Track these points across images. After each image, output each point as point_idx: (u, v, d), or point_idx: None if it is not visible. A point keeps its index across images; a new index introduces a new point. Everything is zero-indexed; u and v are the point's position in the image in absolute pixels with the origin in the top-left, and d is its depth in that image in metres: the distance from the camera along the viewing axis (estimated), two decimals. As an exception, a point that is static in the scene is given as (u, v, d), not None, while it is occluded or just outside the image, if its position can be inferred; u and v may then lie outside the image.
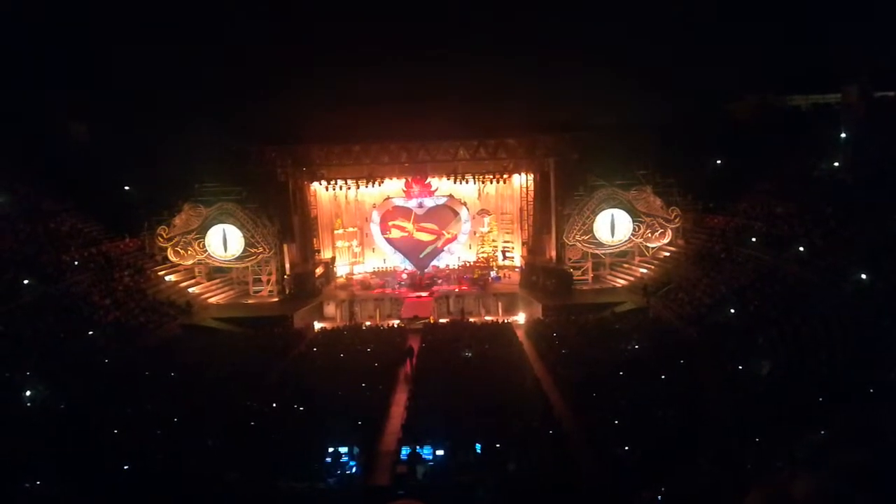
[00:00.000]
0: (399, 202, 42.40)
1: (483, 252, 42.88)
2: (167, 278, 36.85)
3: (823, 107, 40.86)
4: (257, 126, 38.19)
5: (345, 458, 16.80)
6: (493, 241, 43.30)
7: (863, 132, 31.83)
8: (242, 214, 37.55)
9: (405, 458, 16.76)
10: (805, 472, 2.48)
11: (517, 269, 41.60)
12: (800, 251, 26.67)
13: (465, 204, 42.70)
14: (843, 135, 32.46)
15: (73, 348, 24.89)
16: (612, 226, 37.55)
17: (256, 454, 16.54)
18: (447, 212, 42.85)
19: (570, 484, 15.26)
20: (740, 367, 21.06)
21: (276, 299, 37.58)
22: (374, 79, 39.04)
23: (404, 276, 40.82)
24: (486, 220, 43.35)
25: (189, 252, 37.33)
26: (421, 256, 42.62)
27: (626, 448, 16.23)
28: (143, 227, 37.47)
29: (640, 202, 37.40)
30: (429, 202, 42.32)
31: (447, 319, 35.61)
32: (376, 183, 40.47)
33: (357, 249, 43.53)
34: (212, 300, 37.02)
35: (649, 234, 37.41)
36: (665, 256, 37.47)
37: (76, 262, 31.52)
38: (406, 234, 42.78)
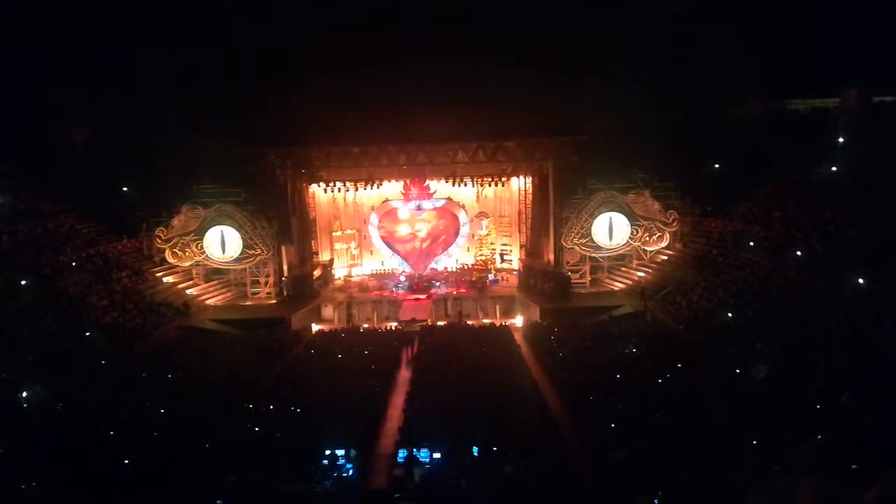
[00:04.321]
0: (397, 204, 42.39)
1: (481, 255, 42.90)
2: (165, 280, 36.81)
3: (822, 111, 40.87)
4: (257, 128, 38.21)
5: (342, 461, 16.76)
6: (492, 243, 43.33)
7: (861, 137, 31.87)
8: (241, 216, 37.55)
9: (402, 460, 16.73)
10: (804, 476, 2.47)
11: (515, 272, 41.58)
12: (798, 255, 26.68)
13: (463, 207, 42.71)
14: (841, 139, 32.51)
15: (71, 349, 24.83)
16: (611, 229, 37.58)
17: (253, 456, 16.50)
18: (445, 214, 42.84)
19: (567, 488, 15.24)
20: (738, 372, 21.06)
21: (273, 301, 37.54)
22: (374, 81, 39.06)
23: (402, 278, 40.79)
24: (485, 222, 43.39)
25: (187, 253, 37.32)
26: (419, 259, 42.61)
27: (624, 452, 16.21)
28: (141, 228, 37.45)
29: (639, 206, 37.45)
30: (427, 205, 42.29)
31: (445, 322, 35.60)
32: (375, 185, 40.49)
33: (355, 252, 43.54)
34: (209, 302, 36.98)
35: (647, 238, 37.44)
36: (663, 260, 37.49)
37: (74, 263, 31.47)
38: (404, 236, 42.79)
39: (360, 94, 38.22)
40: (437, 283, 40.18)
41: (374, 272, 42.47)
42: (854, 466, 10.71)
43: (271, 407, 21.23)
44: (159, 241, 37.12)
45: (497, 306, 37.34)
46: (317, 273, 39.53)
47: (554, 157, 37.56)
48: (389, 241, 42.78)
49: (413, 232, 42.84)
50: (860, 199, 27.28)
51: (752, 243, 30.71)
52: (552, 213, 38.13)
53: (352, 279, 41.53)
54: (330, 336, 32.79)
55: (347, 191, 41.15)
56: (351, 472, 16.55)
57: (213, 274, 38.95)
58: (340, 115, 37.02)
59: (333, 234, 42.99)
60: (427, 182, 41.40)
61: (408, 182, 41.45)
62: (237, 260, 37.77)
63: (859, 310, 20.52)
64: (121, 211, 38.06)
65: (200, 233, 37.35)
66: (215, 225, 37.48)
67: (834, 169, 31.73)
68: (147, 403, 20.73)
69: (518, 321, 35.49)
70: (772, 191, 33.98)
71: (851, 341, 18.93)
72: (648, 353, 25.32)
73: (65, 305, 27.99)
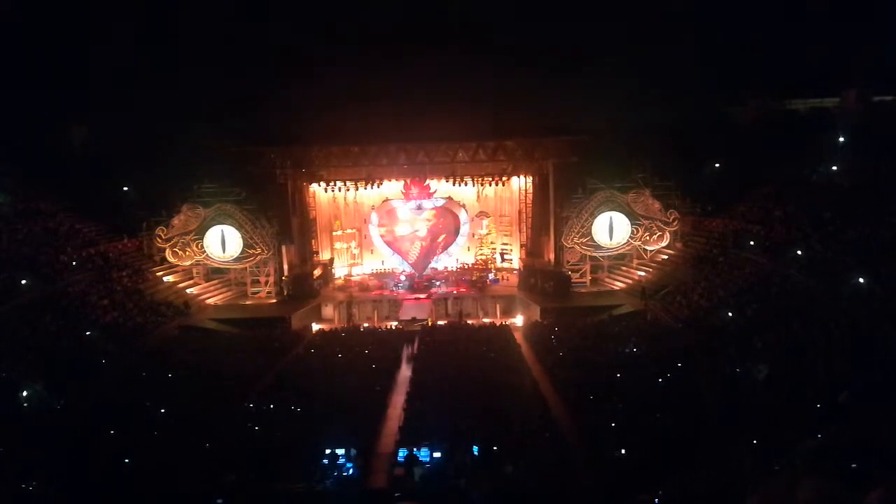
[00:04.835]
0: (398, 204, 42.38)
1: (481, 254, 42.91)
2: (165, 279, 36.81)
3: (822, 111, 40.91)
4: (257, 127, 38.20)
5: (342, 460, 16.77)
6: (492, 243, 43.33)
7: (861, 136, 31.90)
8: (241, 215, 37.52)
9: (402, 460, 16.73)
10: (804, 476, 2.48)
11: (515, 272, 41.60)
12: (798, 255, 26.70)
13: (463, 206, 42.70)
14: (841, 139, 32.53)
15: (71, 348, 24.84)
16: (611, 228, 37.56)
17: (253, 456, 16.51)
18: (446, 214, 42.84)
19: (567, 487, 15.25)
20: (738, 371, 21.07)
21: (274, 300, 37.55)
22: (373, 81, 39.08)
23: (402, 277, 40.81)
24: (485, 222, 43.38)
25: (187, 253, 37.29)
26: (419, 258, 42.61)
27: (624, 451, 16.22)
28: (141, 227, 37.42)
29: (639, 205, 37.42)
30: (427, 204, 42.30)
31: (445, 321, 35.62)
32: (375, 185, 40.48)
33: (355, 251, 43.53)
34: (210, 301, 36.98)
35: (647, 237, 37.42)
36: (663, 259, 37.49)
37: (74, 263, 31.48)
38: (404, 235, 42.79)
39: (360, 94, 38.23)
40: (438, 283, 40.21)
41: (375, 271, 42.48)
42: (854, 466, 10.72)
43: (271, 406, 21.24)
44: (159, 241, 37.10)
45: (497, 306, 37.35)
46: (317, 272, 39.54)
47: (554, 157, 37.58)
48: (389, 241, 42.77)
49: (413, 231, 42.83)
50: (860, 199, 27.29)
51: (752, 243, 30.72)
52: (552, 212, 38.15)
53: (352, 278, 41.55)
54: (330, 335, 32.81)
55: (348, 190, 41.13)
56: (351, 472, 16.56)
57: (214, 273, 38.93)
58: (340, 114, 37.00)
59: (334, 233, 42.99)
60: (427, 181, 41.39)
61: (408, 181, 41.43)
62: (237, 259, 37.75)
63: (859, 309, 20.53)
64: (121, 210, 38.05)
65: (201, 232, 37.32)
66: (215, 224, 37.45)
67: (834, 169, 31.75)
68: (147, 403, 20.74)
69: (518, 320, 35.50)
70: (772, 191, 34.00)
71: (851, 341, 18.93)
72: (648, 353, 25.33)
73: (65, 305, 28.01)
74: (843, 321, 20.28)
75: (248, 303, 37.52)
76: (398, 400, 22.89)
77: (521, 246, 42.38)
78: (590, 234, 37.58)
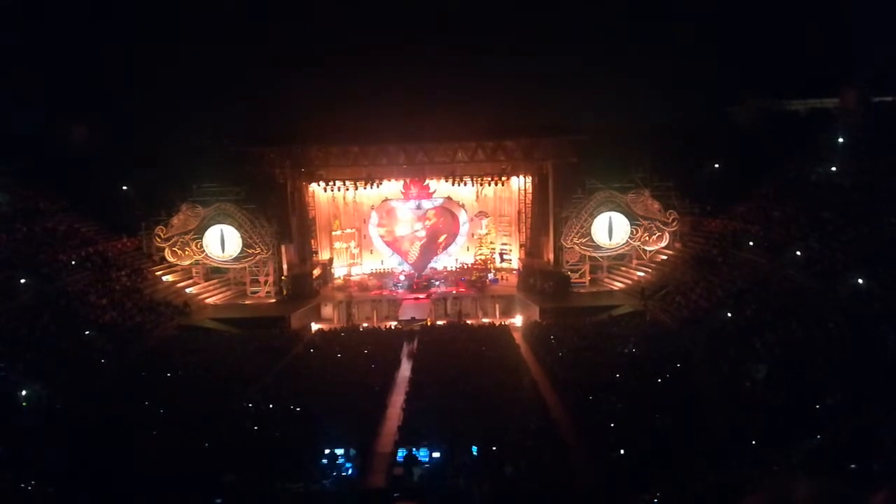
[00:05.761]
0: (397, 204, 42.36)
1: (481, 254, 42.87)
2: (164, 279, 36.76)
3: (822, 111, 40.86)
4: (256, 127, 38.16)
5: (341, 460, 16.78)
6: (491, 243, 43.29)
7: (861, 137, 31.89)
8: (240, 215, 37.45)
9: (401, 459, 16.74)
10: (803, 476, 2.47)
11: (515, 272, 41.58)
12: (797, 255, 26.70)
13: (463, 206, 42.67)
14: (840, 139, 32.51)
15: (70, 348, 24.82)
16: (610, 229, 37.51)
17: (253, 456, 16.50)
18: (445, 214, 42.81)
19: (567, 487, 15.25)
20: (737, 371, 21.08)
21: (273, 300, 37.50)
22: (373, 80, 39.09)
23: (402, 277, 40.78)
24: (484, 222, 43.34)
25: (186, 252, 37.22)
26: (418, 258, 42.58)
27: (623, 451, 16.22)
28: (140, 227, 37.33)
29: (638, 205, 37.38)
30: (427, 204, 42.28)
31: (444, 321, 35.62)
32: (374, 184, 40.43)
33: (355, 251, 43.47)
34: (209, 301, 36.94)
35: (647, 238, 37.38)
36: (662, 260, 37.47)
37: (73, 262, 31.41)
38: (404, 235, 42.77)
39: (360, 94, 38.23)
40: (437, 283, 40.17)
41: (374, 271, 42.42)
42: (854, 466, 10.73)
43: (270, 406, 21.24)
44: (159, 240, 37.02)
45: (496, 306, 37.34)
46: (316, 272, 39.49)
47: (553, 157, 37.54)
48: (389, 241, 42.75)
49: (413, 231, 42.81)
50: (859, 200, 27.29)
51: (751, 243, 30.70)
52: (552, 212, 38.11)
53: (351, 278, 41.51)
54: (329, 335, 32.80)
55: (347, 190, 41.07)
56: (350, 471, 16.57)
57: (213, 273, 38.87)
58: (340, 114, 36.99)
59: (333, 233, 42.94)
60: (427, 181, 41.38)
61: (407, 181, 41.42)
62: (237, 259, 37.68)
63: (858, 310, 20.54)
64: (120, 210, 37.96)
65: (200, 231, 37.25)
66: (215, 224, 37.37)
67: (833, 169, 31.72)
68: (146, 402, 20.73)
69: (517, 321, 35.48)
70: (771, 191, 33.97)
71: (850, 341, 18.94)
72: (647, 353, 25.34)
73: (64, 304, 27.95)
74: (842, 321, 20.28)
75: (247, 302, 37.46)
76: (397, 400, 22.91)
77: (521, 246, 42.35)
78: (589, 234, 37.53)
